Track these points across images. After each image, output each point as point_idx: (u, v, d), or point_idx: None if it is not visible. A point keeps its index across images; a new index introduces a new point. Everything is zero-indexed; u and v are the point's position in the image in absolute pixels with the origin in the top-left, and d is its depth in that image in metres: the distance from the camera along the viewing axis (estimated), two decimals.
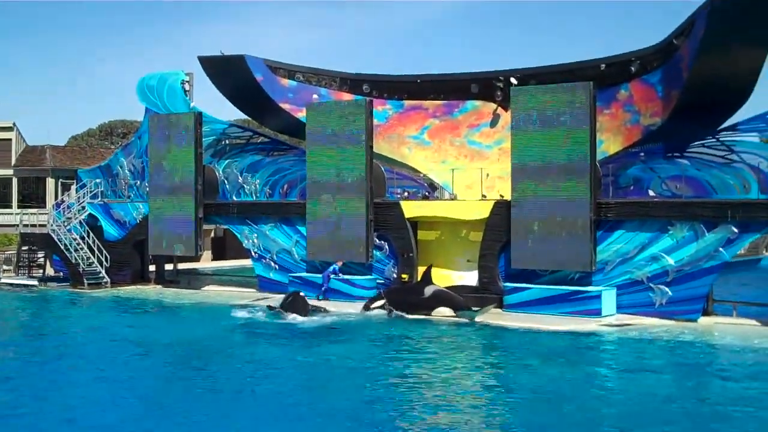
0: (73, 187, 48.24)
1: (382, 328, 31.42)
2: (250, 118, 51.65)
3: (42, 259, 49.33)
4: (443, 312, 33.43)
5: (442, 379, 23.06)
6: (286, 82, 41.86)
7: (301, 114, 40.32)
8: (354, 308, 35.04)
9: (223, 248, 59.86)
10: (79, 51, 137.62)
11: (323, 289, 37.34)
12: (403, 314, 33.63)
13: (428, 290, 34.35)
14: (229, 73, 41.46)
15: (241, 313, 34.38)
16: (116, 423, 18.76)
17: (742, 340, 27.85)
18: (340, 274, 37.58)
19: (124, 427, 18.50)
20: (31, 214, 50.52)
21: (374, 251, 37.60)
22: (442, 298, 34.04)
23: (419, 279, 35.93)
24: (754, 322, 30.68)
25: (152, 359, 26.78)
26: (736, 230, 30.36)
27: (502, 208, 34.74)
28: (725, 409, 19.65)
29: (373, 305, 34.77)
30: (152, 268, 46.96)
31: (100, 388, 22.22)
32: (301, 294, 35.38)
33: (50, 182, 56.34)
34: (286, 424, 18.65)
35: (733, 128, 32.15)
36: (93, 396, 21.28)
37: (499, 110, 39.34)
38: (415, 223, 37.43)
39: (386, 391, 21.63)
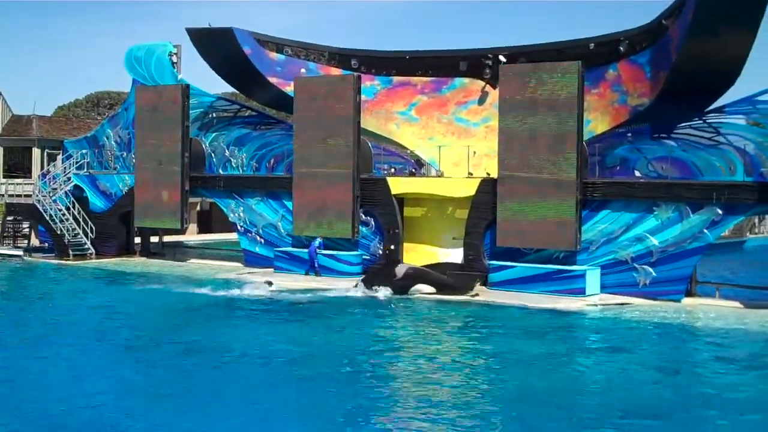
0: (59, 158, 48.08)
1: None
2: (237, 92, 51.50)
3: (27, 230, 49.23)
4: (422, 289, 33.42)
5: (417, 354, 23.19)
6: (275, 55, 41.72)
7: (289, 88, 40.20)
8: (339, 284, 35.02)
9: (209, 221, 59.76)
10: (67, 21, 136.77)
11: (316, 265, 37.28)
12: (377, 294, 33.42)
13: (399, 270, 34.26)
14: (217, 46, 41.30)
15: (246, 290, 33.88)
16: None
17: (723, 321, 28.04)
18: (322, 248, 37.59)
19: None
20: (17, 184, 50.37)
21: (360, 227, 37.60)
22: (415, 276, 34.01)
23: (384, 261, 35.92)
24: (736, 303, 30.86)
25: (119, 332, 26.82)
26: (720, 212, 30.46)
27: (488, 185, 34.78)
28: (701, 390, 19.83)
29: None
30: (137, 240, 46.89)
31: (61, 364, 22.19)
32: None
33: (36, 152, 56.06)
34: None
35: (720, 110, 32.24)
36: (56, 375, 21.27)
37: (488, 88, 39.34)
38: (402, 200, 37.44)
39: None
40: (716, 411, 18.02)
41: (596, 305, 30.84)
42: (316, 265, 37.31)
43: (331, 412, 17.60)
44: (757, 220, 56.93)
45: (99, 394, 18.87)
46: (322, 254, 37.45)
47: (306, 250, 37.80)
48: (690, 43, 30.51)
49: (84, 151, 46.53)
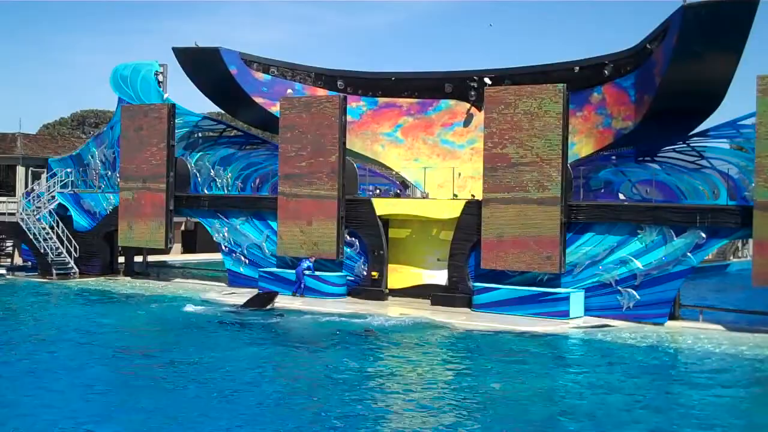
0: (44, 176, 47.92)
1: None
2: (223, 111, 51.48)
3: (10, 248, 49.00)
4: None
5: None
6: (261, 75, 41.75)
7: (275, 108, 40.21)
8: (324, 305, 35.01)
9: (194, 241, 59.61)
10: (53, 39, 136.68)
11: (301, 286, 37.16)
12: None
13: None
14: (204, 66, 41.30)
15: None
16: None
17: (706, 344, 28.07)
18: (313, 270, 37.48)
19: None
20: (1, 202, 50.10)
21: (345, 248, 37.55)
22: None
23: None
24: (719, 327, 30.90)
25: (93, 349, 26.78)
26: (704, 236, 30.57)
27: (473, 207, 34.81)
28: (685, 411, 19.88)
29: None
30: (121, 259, 46.72)
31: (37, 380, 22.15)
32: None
33: (20, 170, 55.79)
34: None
35: (703, 134, 32.41)
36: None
37: (473, 110, 39.45)
38: (387, 221, 37.43)
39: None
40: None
41: (579, 328, 30.83)
42: (300, 285, 37.21)
43: None
44: (740, 244, 57.15)
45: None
46: (310, 275, 37.31)
47: (292, 271, 37.68)
48: (674, 67, 30.68)
49: (69, 169, 46.40)
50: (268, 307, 34.53)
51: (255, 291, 37.61)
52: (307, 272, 37.34)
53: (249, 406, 19.59)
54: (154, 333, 30.36)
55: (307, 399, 20.53)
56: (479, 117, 37.74)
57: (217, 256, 45.60)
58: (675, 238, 31.05)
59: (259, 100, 41.55)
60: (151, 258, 50.03)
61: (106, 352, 26.27)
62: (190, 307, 34.66)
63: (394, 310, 34.16)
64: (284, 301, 35.61)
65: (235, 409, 19.45)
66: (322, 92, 41.36)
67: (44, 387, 21.38)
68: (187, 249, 59.65)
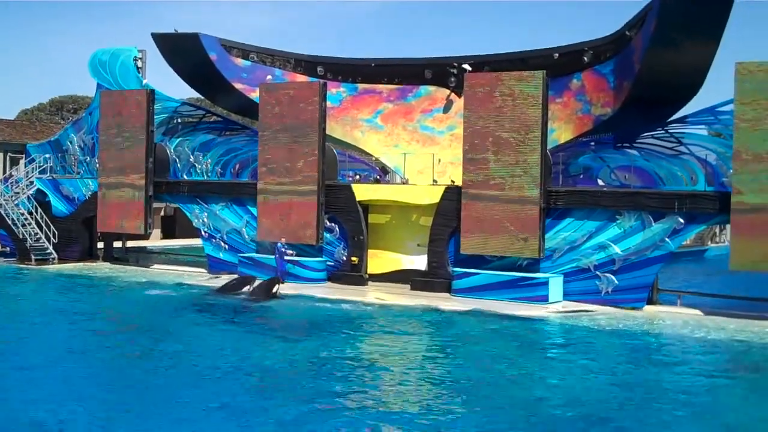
0: (22, 162, 47.70)
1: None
2: (202, 97, 51.38)
3: None
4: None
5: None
6: (240, 61, 41.69)
7: (255, 94, 40.16)
8: (301, 290, 35.09)
9: (173, 227, 59.53)
10: (31, 23, 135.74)
11: (282, 270, 36.85)
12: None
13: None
14: (183, 51, 41.18)
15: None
16: None
17: (684, 328, 28.32)
18: (288, 250, 37.17)
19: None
20: None
21: (325, 233, 37.59)
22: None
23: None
24: (697, 311, 31.15)
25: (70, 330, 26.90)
26: (682, 221, 30.79)
27: (452, 193, 34.91)
28: (657, 395, 20.09)
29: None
30: (100, 245, 46.61)
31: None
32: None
33: None
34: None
35: (682, 120, 32.62)
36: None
37: (452, 96, 39.57)
38: (367, 207, 37.48)
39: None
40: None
41: (558, 312, 31.03)
42: (281, 269, 36.80)
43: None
44: (718, 229, 57.61)
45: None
46: (290, 259, 37.15)
47: (272, 256, 37.57)
48: (653, 54, 30.83)
49: (47, 155, 46.20)
50: (274, 290, 34.46)
51: (234, 276, 37.67)
52: (288, 256, 37.00)
53: (231, 390, 19.66)
54: (130, 317, 30.29)
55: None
56: (459, 103, 37.83)
57: (196, 242, 45.57)
58: (653, 224, 31.25)
59: (238, 86, 41.51)
60: (130, 243, 49.92)
61: (80, 336, 26.28)
62: (159, 291, 34.92)
63: (373, 296, 34.31)
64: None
65: (220, 390, 19.58)
66: (302, 78, 41.35)
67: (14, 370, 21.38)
68: (167, 234, 59.56)
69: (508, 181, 33.12)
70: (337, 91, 41.23)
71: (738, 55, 43.68)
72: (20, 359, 22.60)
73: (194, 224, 42.08)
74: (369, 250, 37.25)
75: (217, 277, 38.42)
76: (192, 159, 42.75)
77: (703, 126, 32.39)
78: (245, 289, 34.82)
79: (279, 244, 37.10)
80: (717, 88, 34.46)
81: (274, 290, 34.15)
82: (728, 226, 31.16)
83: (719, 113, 31.32)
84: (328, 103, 38.58)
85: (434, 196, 35.51)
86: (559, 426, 17.53)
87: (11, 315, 29.98)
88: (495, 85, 33.61)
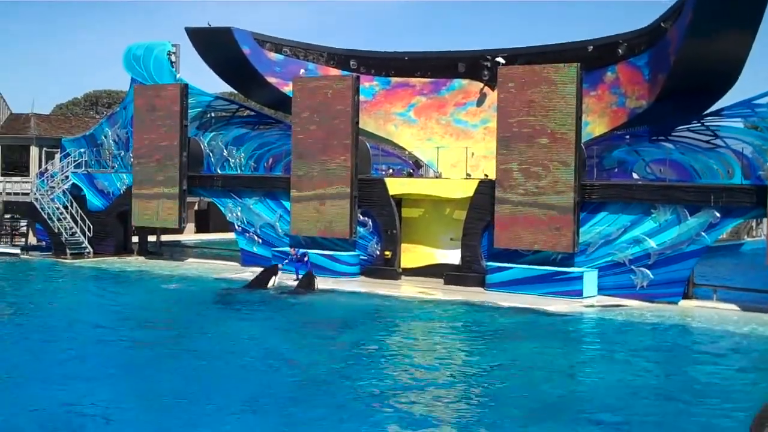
0: (57, 156, 48.02)
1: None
2: (236, 92, 51.48)
3: (25, 228, 49.18)
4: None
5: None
6: (273, 55, 41.73)
7: (288, 88, 40.18)
8: (334, 285, 35.13)
9: (207, 221, 59.72)
10: (66, 19, 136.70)
11: (301, 269, 36.61)
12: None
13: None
14: (216, 46, 41.29)
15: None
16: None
17: (720, 323, 28.07)
18: (299, 254, 37.16)
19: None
20: (15, 182, 50.24)
21: (358, 228, 37.56)
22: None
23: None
24: (733, 306, 30.86)
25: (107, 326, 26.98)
26: (718, 215, 30.47)
27: (486, 187, 34.77)
28: (700, 389, 19.97)
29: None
30: (135, 239, 46.84)
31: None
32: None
33: (34, 151, 55.89)
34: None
35: (718, 113, 32.29)
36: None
37: (486, 90, 39.39)
38: (400, 201, 37.42)
39: None
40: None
41: (593, 307, 30.84)
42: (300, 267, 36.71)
43: None
44: (754, 223, 56.98)
45: None
46: (317, 254, 37.10)
47: (304, 249, 37.43)
48: (688, 46, 30.53)
49: (82, 149, 46.46)
50: (270, 284, 34.70)
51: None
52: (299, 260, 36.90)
53: (266, 382, 19.74)
54: (167, 311, 30.44)
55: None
56: (492, 96, 37.64)
57: (230, 236, 45.69)
58: (689, 218, 30.96)
59: (272, 80, 41.57)
60: (164, 238, 50.15)
61: (119, 331, 26.45)
62: (193, 286, 35.07)
63: (407, 290, 34.30)
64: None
65: (263, 383, 19.83)
66: (334, 72, 41.32)
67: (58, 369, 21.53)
68: (201, 229, 59.77)
69: (543, 175, 32.90)
70: (370, 84, 41.16)
71: None
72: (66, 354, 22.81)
73: (228, 218, 42.19)
74: (402, 244, 37.20)
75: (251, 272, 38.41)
76: (225, 153, 42.87)
77: (739, 119, 32.08)
78: (271, 282, 34.91)
79: (299, 252, 36.78)
80: (754, 80, 34.06)
81: (315, 286, 34.22)
82: (765, 220, 30.77)
83: (756, 106, 30.98)
84: (361, 97, 38.52)
85: (468, 189, 35.38)
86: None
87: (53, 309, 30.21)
88: (529, 78, 33.42)
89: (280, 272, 35.62)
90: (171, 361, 22.22)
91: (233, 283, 36.04)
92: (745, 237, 57.49)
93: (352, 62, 41.84)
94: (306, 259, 36.71)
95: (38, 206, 44.59)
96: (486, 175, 35.96)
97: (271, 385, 19.92)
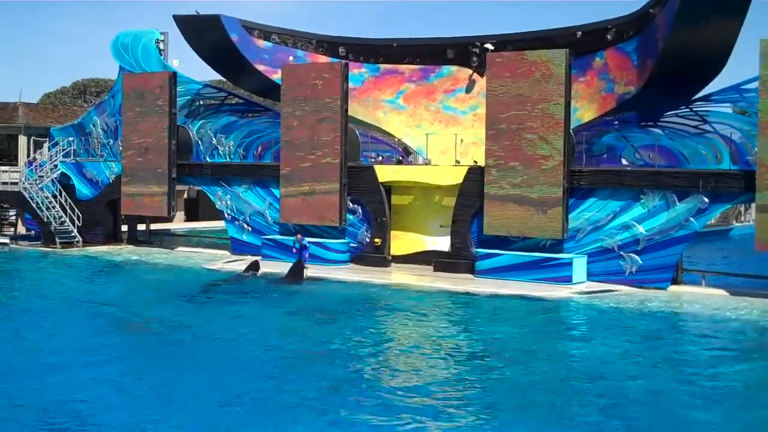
0: (46, 145, 47.90)
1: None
2: (224, 79, 51.37)
3: (14, 218, 49.08)
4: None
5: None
6: (262, 43, 41.64)
7: (276, 76, 40.13)
8: (323, 272, 35.16)
9: (197, 209, 59.68)
10: (53, 7, 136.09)
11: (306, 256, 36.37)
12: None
13: None
14: (204, 33, 41.17)
15: None
16: None
17: (709, 308, 28.17)
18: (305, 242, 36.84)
19: None
20: (3, 171, 50.11)
21: (347, 215, 37.56)
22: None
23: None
24: (722, 291, 30.96)
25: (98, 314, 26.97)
26: (707, 200, 30.54)
27: (475, 173, 34.78)
28: (691, 371, 20.10)
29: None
30: (124, 228, 46.79)
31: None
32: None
33: (22, 140, 55.75)
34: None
35: (706, 98, 32.34)
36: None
37: (475, 76, 39.35)
38: (389, 188, 37.42)
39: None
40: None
41: (582, 293, 30.91)
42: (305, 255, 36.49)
43: None
44: (743, 209, 57.15)
45: None
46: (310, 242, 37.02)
47: (293, 237, 37.37)
48: (677, 31, 30.54)
49: (70, 138, 46.35)
50: (259, 273, 34.95)
51: (258, 258, 37.69)
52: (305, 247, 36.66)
53: (260, 369, 19.78)
54: (157, 300, 30.41)
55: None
56: (481, 83, 37.62)
57: (219, 224, 45.67)
58: (677, 203, 31.02)
59: (260, 67, 41.49)
60: (154, 226, 50.11)
61: (111, 318, 26.45)
62: (184, 274, 35.07)
63: (397, 277, 34.36)
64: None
65: (256, 369, 19.89)
66: (323, 59, 41.24)
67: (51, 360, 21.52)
68: (190, 217, 59.74)
69: (531, 161, 32.93)
70: (358, 71, 41.12)
71: (763, 31, 43.29)
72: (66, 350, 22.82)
73: (217, 207, 42.16)
74: (392, 232, 37.23)
75: (235, 261, 38.35)
76: (214, 141, 42.82)
77: (727, 104, 32.15)
78: (259, 272, 35.17)
79: (304, 241, 36.58)
80: (742, 65, 34.12)
81: (305, 275, 34.25)
82: (753, 205, 30.83)
83: (744, 91, 31.04)
84: (350, 84, 38.47)
85: (457, 176, 35.39)
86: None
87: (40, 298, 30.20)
88: (518, 64, 33.42)
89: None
90: (153, 350, 22.24)
91: (222, 274, 36.00)
92: (734, 222, 57.69)
93: (340, 49, 41.76)
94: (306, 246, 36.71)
95: (27, 195, 44.49)
96: (475, 162, 35.98)
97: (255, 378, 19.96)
